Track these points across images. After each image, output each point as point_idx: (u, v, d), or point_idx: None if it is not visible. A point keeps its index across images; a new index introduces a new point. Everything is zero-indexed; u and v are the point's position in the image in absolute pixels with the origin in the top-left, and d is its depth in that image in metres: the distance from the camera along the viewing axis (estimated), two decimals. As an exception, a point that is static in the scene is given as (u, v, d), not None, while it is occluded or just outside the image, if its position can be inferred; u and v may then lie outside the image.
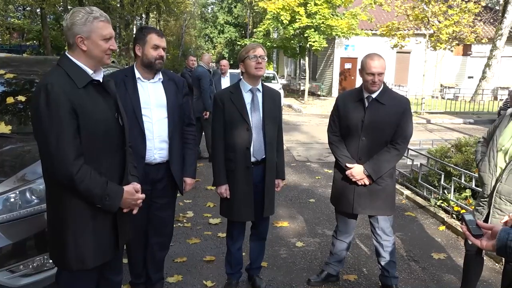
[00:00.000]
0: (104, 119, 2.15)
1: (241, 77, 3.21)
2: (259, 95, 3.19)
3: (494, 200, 2.88)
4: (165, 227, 3.20)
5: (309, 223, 5.10)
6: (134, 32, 34.25)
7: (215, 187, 3.24)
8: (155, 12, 38.97)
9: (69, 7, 26.21)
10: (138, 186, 2.31)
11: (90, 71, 2.14)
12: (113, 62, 5.41)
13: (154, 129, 2.93)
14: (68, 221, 2.11)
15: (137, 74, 2.93)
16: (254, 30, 27.76)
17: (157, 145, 2.95)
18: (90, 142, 2.08)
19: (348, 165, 3.27)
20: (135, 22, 35.77)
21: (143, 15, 37.05)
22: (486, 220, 2.92)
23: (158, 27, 39.77)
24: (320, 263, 3.96)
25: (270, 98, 3.24)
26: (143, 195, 2.33)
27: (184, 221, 5.02)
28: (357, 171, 3.24)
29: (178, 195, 3.26)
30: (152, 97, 2.95)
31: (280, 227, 4.93)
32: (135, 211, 2.32)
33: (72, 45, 2.14)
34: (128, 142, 2.32)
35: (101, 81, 2.20)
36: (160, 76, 3.00)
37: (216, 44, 59.72)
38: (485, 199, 2.98)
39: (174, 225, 4.78)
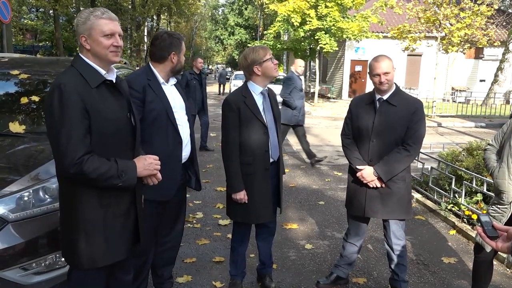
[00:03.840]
0: (116, 119, 2.18)
1: (250, 80, 3.21)
2: (267, 96, 3.23)
3: None
4: (177, 227, 3.23)
5: (319, 225, 5.09)
6: (146, 34, 34.51)
7: (231, 194, 3.19)
8: (166, 14, 39.18)
9: (81, 8, 26.45)
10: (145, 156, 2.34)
11: (103, 71, 2.18)
12: (124, 63, 5.45)
13: (184, 132, 2.99)
14: (80, 220, 2.15)
15: (160, 79, 2.93)
16: (265, 32, 27.78)
17: (185, 148, 3.01)
18: (101, 142, 2.11)
19: (358, 167, 3.27)
20: (146, 24, 35.99)
21: (154, 17, 37.25)
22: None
23: (168, 28, 40.04)
24: (329, 265, 3.96)
25: (273, 98, 3.32)
26: (156, 156, 2.35)
27: (194, 222, 5.04)
28: (367, 172, 3.23)
29: (188, 195, 3.29)
30: (177, 100, 3.00)
31: (289, 229, 4.93)
32: (159, 176, 2.34)
33: (80, 46, 2.19)
34: (139, 143, 2.36)
35: (114, 81, 2.23)
36: (174, 79, 3.05)
37: (226, 46, 59.93)
38: (505, 207, 2.95)
39: (185, 226, 4.83)
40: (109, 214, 2.19)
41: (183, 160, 3.01)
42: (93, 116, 2.07)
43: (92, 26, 2.13)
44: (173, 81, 3.03)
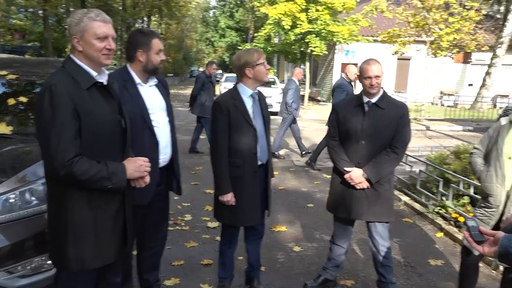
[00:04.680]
0: (107, 121, 2.17)
1: (240, 82, 3.21)
2: (257, 99, 3.23)
3: (508, 209, 2.89)
4: (160, 231, 3.19)
5: (307, 228, 5.10)
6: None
7: (218, 195, 3.19)
8: (157, 15, 39.09)
9: (71, 9, 26.29)
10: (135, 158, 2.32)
11: (94, 73, 2.17)
12: (114, 65, 5.42)
13: (161, 134, 2.91)
14: (69, 221, 2.14)
15: (136, 79, 2.86)
16: (255, 34, 27.81)
17: (162, 150, 2.93)
18: (91, 144, 2.11)
19: (346, 168, 3.29)
20: (136, 25, 35.86)
21: (145, 18, 37.15)
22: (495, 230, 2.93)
23: (159, 30, 39.90)
24: (318, 268, 3.97)
25: (263, 101, 3.32)
26: (146, 158, 2.34)
27: (182, 224, 5.03)
28: (356, 174, 3.25)
29: (176, 198, 3.27)
30: (155, 101, 2.93)
31: (278, 232, 4.94)
32: (147, 179, 2.33)
33: (72, 47, 2.18)
34: (130, 145, 2.35)
35: (105, 83, 2.23)
36: (154, 79, 2.97)
37: (217, 48, 59.91)
38: (493, 210, 2.99)
39: (172, 228, 4.82)
40: (99, 216, 2.19)
41: (162, 164, 2.94)
42: (83, 117, 2.07)
43: (85, 28, 2.12)
44: (152, 81, 2.95)
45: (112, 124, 2.22)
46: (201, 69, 77.91)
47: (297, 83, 9.16)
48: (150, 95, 2.91)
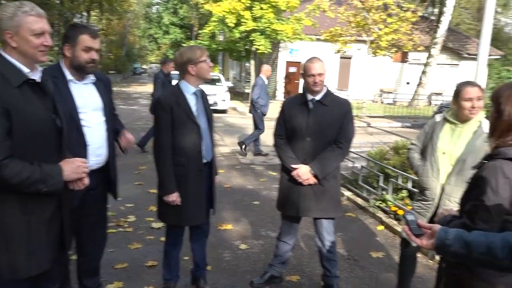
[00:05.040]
0: (40, 120, 2.05)
1: (183, 79, 3.15)
2: (200, 96, 3.19)
3: (443, 202, 3.02)
4: (98, 235, 3.04)
5: (253, 225, 5.12)
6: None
7: (163, 195, 3.11)
8: (97, 10, 37.77)
9: (2, 2, 24.84)
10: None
11: (26, 70, 2.04)
12: (50, 61, 5.17)
13: (93, 135, 2.75)
14: (0, 228, 2.00)
15: (68, 76, 2.70)
16: (200, 32, 27.59)
17: (95, 152, 2.77)
18: (24, 144, 1.98)
19: (293, 166, 3.32)
20: (75, 20, 34.48)
21: (84, 13, 35.79)
22: (431, 222, 3.06)
23: (100, 26, 38.59)
24: (264, 265, 3.99)
25: (206, 98, 3.28)
26: (84, 159, 2.23)
27: (125, 225, 4.89)
28: (303, 171, 3.29)
29: (118, 198, 3.16)
30: (88, 100, 2.76)
31: (224, 230, 4.91)
32: (86, 181, 2.22)
33: (3, 42, 2.03)
34: (66, 145, 2.23)
35: (38, 80, 2.10)
36: (92, 76, 2.81)
37: (161, 45, 58.85)
38: (429, 203, 3.12)
39: (115, 230, 4.67)
40: (33, 221, 2.06)
41: (96, 166, 2.77)
42: (14, 116, 1.94)
43: (20, 23, 1.99)
44: (89, 79, 2.78)
45: (46, 123, 2.09)
46: (144, 66, 76.37)
47: (265, 80, 9.11)
48: (83, 93, 2.75)
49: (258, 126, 9.17)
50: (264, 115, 9.24)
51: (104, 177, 2.93)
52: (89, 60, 2.66)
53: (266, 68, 9.33)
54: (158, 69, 12.21)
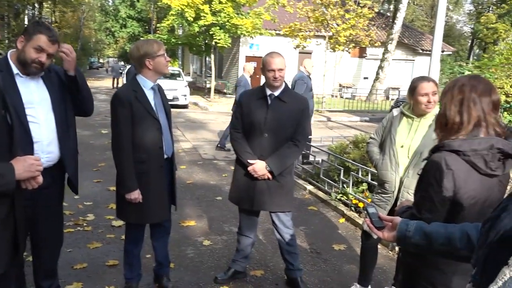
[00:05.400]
0: None
1: (140, 74, 3.06)
2: (157, 91, 3.13)
3: (402, 194, 3.09)
4: (54, 235, 2.93)
5: (216, 221, 5.09)
6: (26, 23, 31.82)
7: (124, 194, 3.01)
8: (49, 2, 36.38)
9: None
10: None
11: None
12: (0, 54, 4.93)
13: (41, 131, 2.63)
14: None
15: (14, 69, 2.56)
16: (158, 25, 27.12)
17: (45, 149, 2.66)
18: None
19: (250, 161, 3.32)
20: (26, 12, 33.13)
21: (36, 5, 34.41)
22: (390, 214, 3.13)
23: (53, 18, 37.26)
24: (228, 260, 3.97)
25: (163, 93, 3.22)
26: (37, 156, 2.12)
27: (84, 224, 4.75)
28: (259, 166, 3.29)
29: (76, 197, 3.06)
30: (35, 95, 2.63)
31: (187, 227, 4.86)
32: (40, 179, 2.11)
33: None
34: (18, 143, 2.13)
35: None
36: (41, 71, 2.65)
37: (118, 39, 57.46)
38: (388, 195, 3.19)
39: (73, 230, 4.53)
40: None
41: (46, 163, 2.63)
42: None
43: None
44: (38, 73, 2.63)
45: None
46: (101, 61, 74.29)
47: (247, 78, 8.77)
48: (30, 87, 2.62)
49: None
50: None
51: (59, 175, 2.82)
52: (37, 60, 2.53)
53: (249, 66, 9.07)
54: (114, 62, 11.83)
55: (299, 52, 23.18)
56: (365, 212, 1.76)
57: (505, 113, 8.41)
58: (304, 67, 7.90)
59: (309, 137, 7.28)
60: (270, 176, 3.32)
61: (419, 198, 1.89)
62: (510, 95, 8.26)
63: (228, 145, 9.09)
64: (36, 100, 2.62)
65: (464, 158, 1.75)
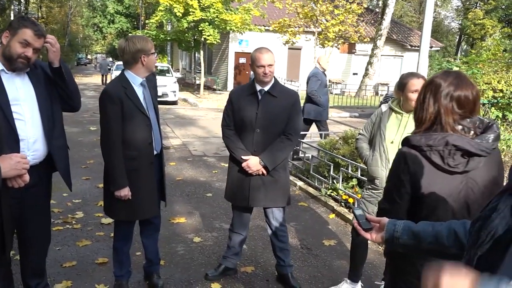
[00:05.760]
0: None
1: (129, 69, 3.03)
2: (147, 87, 3.11)
3: None
4: (40, 234, 2.89)
5: (207, 217, 5.08)
6: (12, 18, 31.35)
7: (114, 191, 2.98)
8: (36, -3, 35.93)
9: None
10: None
11: None
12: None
13: (27, 128, 2.59)
14: None
15: (0, 65, 2.52)
16: (147, 21, 26.90)
17: (31, 146, 2.61)
18: None
19: (243, 157, 3.31)
20: (12, 8, 32.67)
21: (22, 0, 33.95)
22: None
23: (39, 14, 36.81)
24: (218, 257, 3.96)
25: (152, 88, 3.20)
26: (24, 154, 2.10)
27: (73, 222, 4.70)
28: (253, 162, 3.29)
29: (65, 194, 3.02)
30: (21, 92, 2.59)
31: (177, 224, 4.84)
32: (26, 177, 2.08)
33: None
34: (4, 141, 2.10)
35: None
36: (26, 67, 2.61)
37: (106, 35, 56.92)
38: (379, 191, 3.19)
39: (62, 228, 4.49)
40: None
41: (33, 161, 2.59)
42: None
43: None
44: (24, 68, 2.59)
45: None
46: (89, 57, 73.59)
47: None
48: (16, 84, 2.57)
49: None
50: None
51: (46, 173, 2.78)
52: (23, 55, 2.49)
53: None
54: (102, 58, 11.68)
55: (289, 48, 23.20)
56: (353, 214, 1.76)
57: (493, 108, 8.49)
58: (318, 63, 7.86)
59: (304, 133, 7.29)
60: (264, 171, 3.31)
61: (385, 188, 2.00)
62: (498, 91, 8.33)
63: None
64: (22, 97, 2.58)
65: (422, 153, 1.78)
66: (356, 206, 1.93)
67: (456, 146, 1.72)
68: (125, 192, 2.99)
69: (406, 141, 1.85)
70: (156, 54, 3.10)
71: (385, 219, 1.68)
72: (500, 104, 8.49)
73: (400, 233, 1.60)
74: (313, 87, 7.42)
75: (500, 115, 8.46)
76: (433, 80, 1.83)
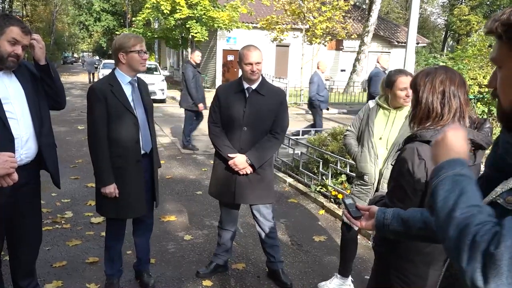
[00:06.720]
0: None
1: (117, 68, 3.03)
2: (136, 86, 3.10)
3: (381, 186, 3.13)
4: (30, 234, 2.86)
5: (197, 215, 5.08)
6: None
7: (100, 188, 2.99)
8: (20, -5, 35.47)
9: None
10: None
11: None
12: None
13: (19, 127, 2.57)
14: None
15: None
16: (134, 19, 26.73)
17: (23, 145, 2.59)
18: None
19: (230, 155, 3.31)
20: (-3, 6, 32.24)
21: (7, -2, 33.52)
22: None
23: (24, 12, 36.36)
24: (209, 254, 3.98)
25: (145, 88, 3.19)
26: (11, 153, 2.09)
27: (63, 222, 4.68)
28: (240, 160, 3.29)
29: (54, 194, 3.01)
30: (10, 90, 2.56)
31: (167, 222, 4.84)
32: (15, 176, 2.07)
33: None
34: None
35: None
36: (13, 65, 2.55)
37: (92, 33, 56.42)
38: (368, 187, 3.23)
39: (51, 228, 4.47)
40: None
41: (25, 160, 2.59)
42: None
43: None
44: (15, 66, 2.56)
45: None
46: (75, 55, 72.92)
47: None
48: (5, 83, 2.55)
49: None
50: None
51: (36, 171, 2.77)
52: (13, 53, 2.46)
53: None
54: (89, 56, 11.55)
55: (277, 45, 23.21)
56: (343, 203, 1.79)
57: (479, 103, 8.61)
58: (379, 62, 7.84)
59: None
60: (251, 169, 3.33)
61: (392, 187, 1.95)
62: (483, 86, 8.44)
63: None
64: (12, 95, 2.56)
65: None
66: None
67: (471, 140, 1.74)
68: (111, 189, 2.98)
69: (415, 138, 1.84)
70: (142, 52, 3.00)
71: (374, 207, 1.72)
72: (486, 99, 8.61)
73: (390, 220, 1.64)
74: (376, 87, 7.41)
75: (486, 110, 8.58)
76: (445, 76, 1.83)
